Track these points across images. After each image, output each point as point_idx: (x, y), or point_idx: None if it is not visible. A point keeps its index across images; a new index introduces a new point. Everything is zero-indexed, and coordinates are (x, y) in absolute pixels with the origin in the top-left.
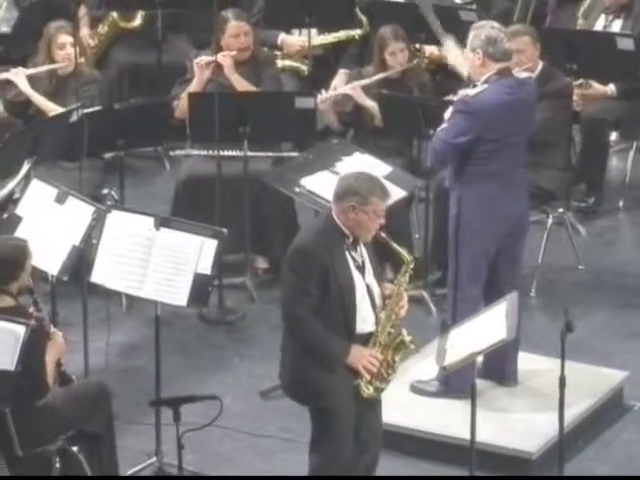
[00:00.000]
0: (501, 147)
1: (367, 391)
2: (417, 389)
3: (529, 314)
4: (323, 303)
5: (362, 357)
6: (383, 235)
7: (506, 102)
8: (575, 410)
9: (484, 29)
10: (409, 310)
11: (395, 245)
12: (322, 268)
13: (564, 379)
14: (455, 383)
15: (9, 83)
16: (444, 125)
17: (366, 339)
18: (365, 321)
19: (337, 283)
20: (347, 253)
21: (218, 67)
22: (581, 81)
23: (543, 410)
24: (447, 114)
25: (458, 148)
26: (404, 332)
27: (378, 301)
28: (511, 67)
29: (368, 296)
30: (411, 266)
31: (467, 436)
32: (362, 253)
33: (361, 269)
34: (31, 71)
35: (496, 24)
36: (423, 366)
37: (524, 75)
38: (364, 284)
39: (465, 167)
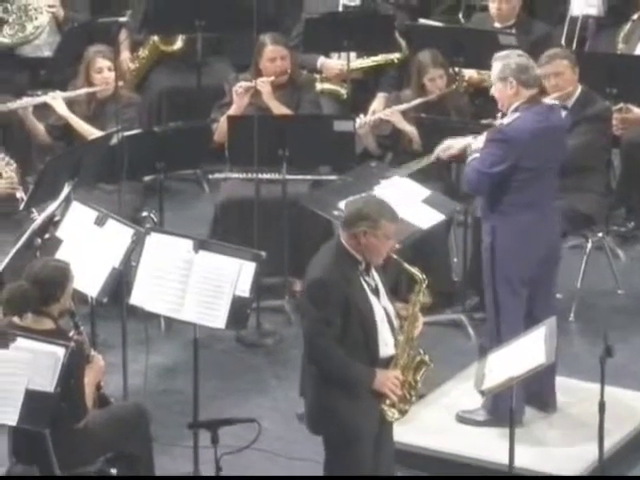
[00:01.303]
0: (538, 175)
1: (390, 415)
2: (464, 419)
3: (568, 339)
4: (345, 332)
5: (387, 380)
6: (394, 256)
7: (540, 129)
8: (615, 436)
9: (512, 58)
10: (422, 329)
11: (407, 265)
12: (341, 297)
13: (604, 404)
14: (503, 411)
15: (50, 107)
16: (476, 155)
17: (388, 362)
18: (387, 345)
19: (357, 310)
20: (361, 279)
21: (257, 91)
22: (621, 105)
23: (583, 436)
24: (478, 143)
25: (495, 178)
26: (421, 351)
27: (395, 323)
28: (539, 94)
29: (386, 319)
30: (424, 285)
31: (506, 461)
32: (374, 277)
33: (376, 293)
34: (68, 94)
35: (521, 52)
36: (459, 391)
37: (551, 102)
38: (381, 307)
39: (501, 197)
